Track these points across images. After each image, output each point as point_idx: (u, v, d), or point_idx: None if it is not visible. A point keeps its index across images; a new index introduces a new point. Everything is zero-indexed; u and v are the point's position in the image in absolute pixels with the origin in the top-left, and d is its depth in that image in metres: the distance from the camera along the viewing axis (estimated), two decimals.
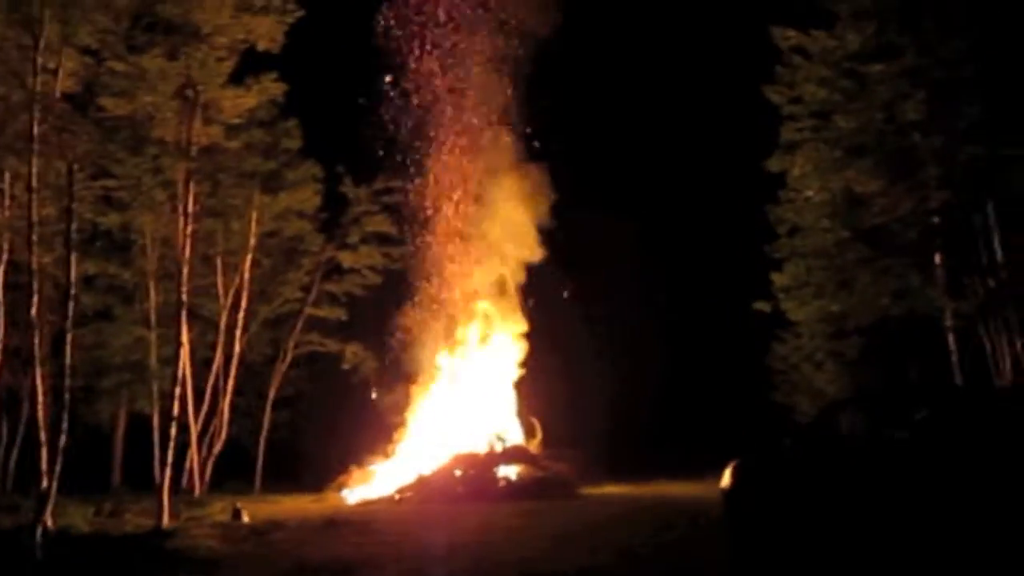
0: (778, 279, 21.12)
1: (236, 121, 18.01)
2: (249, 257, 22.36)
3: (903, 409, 8.81)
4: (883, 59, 18.57)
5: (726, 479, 9.46)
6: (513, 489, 18.85)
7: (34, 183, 12.98)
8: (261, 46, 16.61)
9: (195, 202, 15.79)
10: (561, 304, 25.12)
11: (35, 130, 12.97)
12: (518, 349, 23.04)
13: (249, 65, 17.39)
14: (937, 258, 18.84)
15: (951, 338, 18.85)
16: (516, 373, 22.96)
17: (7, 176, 16.93)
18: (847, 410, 9.42)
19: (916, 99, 18.32)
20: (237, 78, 17.02)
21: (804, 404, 22.49)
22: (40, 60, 13.12)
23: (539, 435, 21.62)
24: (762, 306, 21.25)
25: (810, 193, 20.59)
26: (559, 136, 23.14)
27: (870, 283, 19.32)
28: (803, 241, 20.96)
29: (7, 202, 17.03)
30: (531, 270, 23.16)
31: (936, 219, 18.64)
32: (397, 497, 19.14)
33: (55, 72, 13.47)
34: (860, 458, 8.38)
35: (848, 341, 21.04)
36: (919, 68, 18.17)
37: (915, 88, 18.31)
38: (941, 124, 18.11)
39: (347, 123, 24.55)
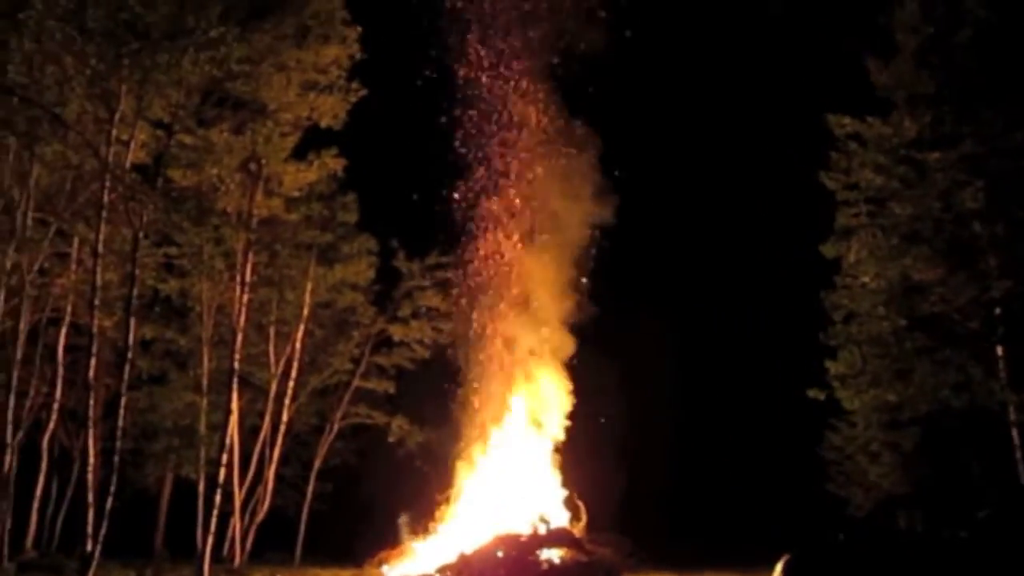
0: (833, 367, 20.59)
1: (296, 194, 18.54)
2: (302, 327, 22.63)
3: (964, 507, 8.48)
4: (940, 147, 18.43)
5: (777, 573, 9.15)
6: (556, 573, 18.37)
7: (100, 249, 13.42)
8: (324, 123, 17.14)
9: (252, 271, 16.15)
10: (607, 386, 24.81)
11: (105, 199, 13.48)
12: (564, 427, 22.72)
13: (311, 140, 17.92)
14: (999, 349, 18.29)
15: (1015, 433, 18.12)
16: (561, 453, 22.60)
17: (75, 241, 17.59)
18: (905, 506, 9.11)
19: (975, 187, 18.08)
20: (299, 153, 17.55)
21: (858, 496, 21.73)
22: (114, 132, 13.72)
23: (584, 518, 21.15)
24: (816, 394, 20.72)
25: (866, 279, 20.21)
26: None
27: (929, 374, 18.74)
28: (859, 328, 20.47)
29: (73, 266, 17.64)
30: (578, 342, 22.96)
31: (998, 309, 18.17)
32: None
33: (128, 144, 14.05)
34: (918, 557, 8.05)
35: (905, 432, 20.33)
36: (978, 157, 17.96)
37: (974, 177, 18.09)
38: (1001, 212, 17.80)
39: (403, 198, 24.98)
